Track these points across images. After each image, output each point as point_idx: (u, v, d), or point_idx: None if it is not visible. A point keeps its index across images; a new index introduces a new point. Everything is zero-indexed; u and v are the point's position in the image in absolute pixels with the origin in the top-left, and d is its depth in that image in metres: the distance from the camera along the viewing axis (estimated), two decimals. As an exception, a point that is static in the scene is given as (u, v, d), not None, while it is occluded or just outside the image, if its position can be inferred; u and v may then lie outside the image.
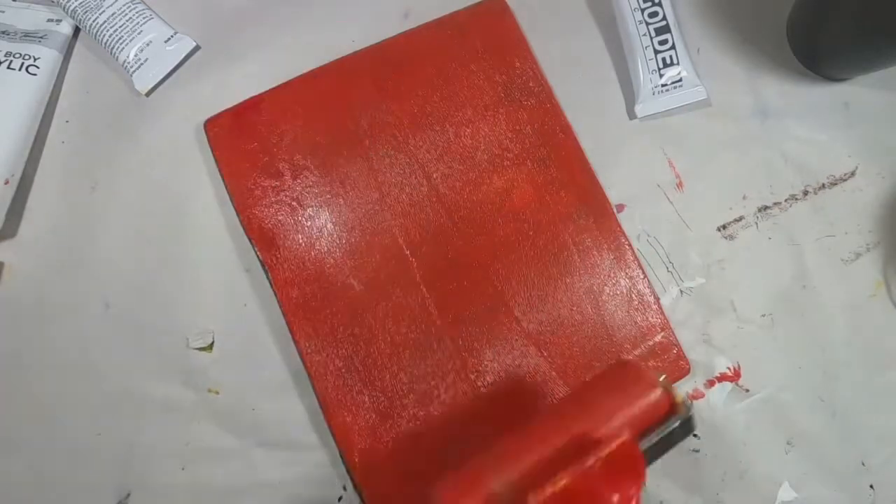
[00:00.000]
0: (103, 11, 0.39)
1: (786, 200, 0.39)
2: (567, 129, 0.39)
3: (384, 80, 0.39)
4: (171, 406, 0.37)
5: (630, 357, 0.36)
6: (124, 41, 0.39)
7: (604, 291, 0.37)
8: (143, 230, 0.39)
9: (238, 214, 0.37)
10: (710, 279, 0.38)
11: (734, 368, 0.37)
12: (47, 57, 0.40)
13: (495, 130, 0.39)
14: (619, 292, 0.37)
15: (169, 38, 0.40)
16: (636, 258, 0.37)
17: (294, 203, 0.37)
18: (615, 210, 0.38)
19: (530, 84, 0.39)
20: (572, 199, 0.38)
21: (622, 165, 0.39)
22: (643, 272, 0.37)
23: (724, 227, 0.39)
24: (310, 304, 0.36)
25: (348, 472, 0.34)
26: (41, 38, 0.40)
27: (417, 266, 0.37)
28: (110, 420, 0.37)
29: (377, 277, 0.37)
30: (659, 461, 0.36)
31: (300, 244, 0.37)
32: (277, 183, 0.38)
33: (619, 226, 0.38)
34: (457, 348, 0.36)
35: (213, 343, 0.37)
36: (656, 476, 0.36)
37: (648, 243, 0.39)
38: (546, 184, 0.38)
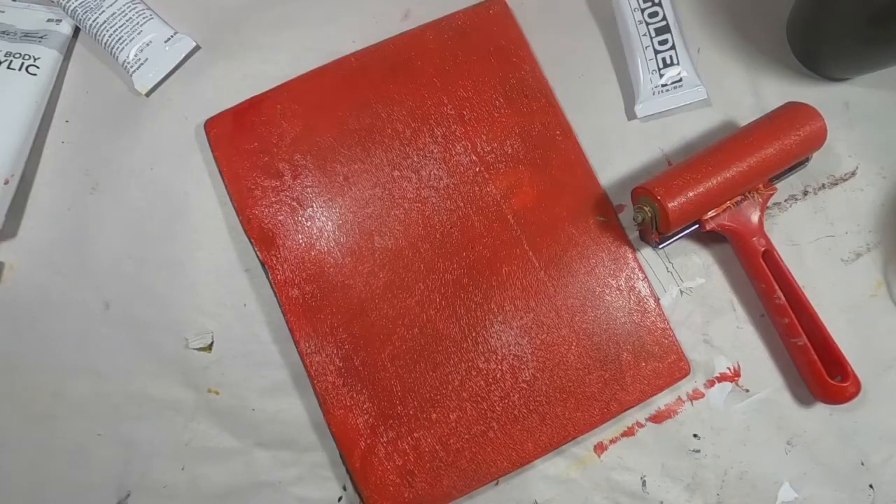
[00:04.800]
0: (103, 11, 0.39)
1: (786, 200, 0.39)
2: (567, 130, 0.39)
3: (384, 81, 0.39)
4: (171, 406, 0.37)
5: (629, 358, 0.36)
6: (124, 41, 0.39)
7: (604, 292, 0.37)
8: (143, 230, 0.39)
9: (238, 214, 0.37)
10: (710, 279, 0.38)
11: (734, 368, 0.37)
12: (47, 57, 0.40)
13: (495, 130, 0.39)
14: (619, 292, 0.37)
15: (169, 38, 0.40)
16: (636, 258, 0.37)
17: (294, 203, 0.37)
18: (615, 210, 0.38)
19: (530, 84, 0.39)
20: (572, 200, 0.38)
21: (622, 165, 0.39)
22: (643, 272, 0.37)
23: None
24: (310, 303, 0.36)
25: (348, 472, 0.35)
26: (41, 38, 0.40)
27: (417, 266, 0.37)
28: (110, 420, 0.37)
29: (377, 277, 0.37)
30: (660, 462, 0.37)
31: (300, 244, 0.37)
32: (277, 183, 0.38)
33: (620, 226, 0.38)
34: (456, 349, 0.36)
35: (212, 343, 0.37)
36: (657, 476, 0.36)
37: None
38: (546, 184, 0.38)
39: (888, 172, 0.39)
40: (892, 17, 0.33)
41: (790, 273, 0.36)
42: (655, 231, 0.36)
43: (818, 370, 0.35)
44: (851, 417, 0.37)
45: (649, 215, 0.35)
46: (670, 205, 0.34)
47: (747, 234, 0.36)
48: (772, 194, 0.37)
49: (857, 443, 0.36)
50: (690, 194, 0.35)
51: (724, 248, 0.39)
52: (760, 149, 0.35)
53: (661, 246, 0.38)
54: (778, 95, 0.40)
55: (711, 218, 0.36)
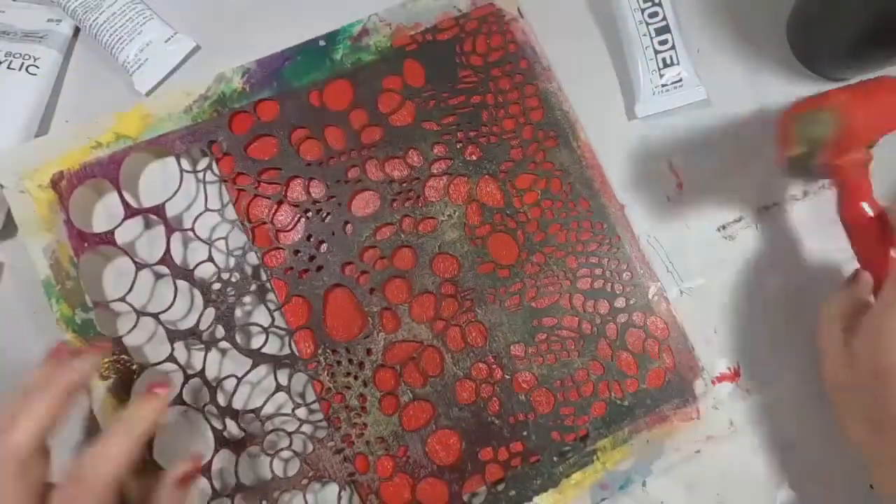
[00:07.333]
0: (103, 11, 0.39)
1: (785, 201, 0.39)
2: (571, 130, 0.39)
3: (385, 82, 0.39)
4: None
5: (631, 360, 0.36)
6: (124, 41, 0.39)
7: (604, 292, 0.37)
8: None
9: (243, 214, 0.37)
10: (710, 279, 0.38)
11: (734, 368, 0.37)
12: (47, 57, 0.40)
13: (496, 131, 0.38)
14: (620, 292, 0.37)
15: (169, 38, 0.40)
16: (635, 258, 0.37)
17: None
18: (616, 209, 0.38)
19: (531, 84, 0.39)
20: (574, 200, 0.38)
21: (622, 165, 0.39)
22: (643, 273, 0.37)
23: (723, 227, 0.39)
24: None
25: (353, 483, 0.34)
26: (41, 38, 0.40)
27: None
28: (110, 420, 0.37)
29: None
30: (660, 462, 0.36)
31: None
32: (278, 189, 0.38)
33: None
34: (455, 351, 0.36)
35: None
36: (657, 476, 0.36)
37: (648, 243, 0.39)
38: (547, 184, 0.38)
39: (888, 173, 0.39)
40: (892, 18, 0.33)
41: None
42: (815, 160, 0.33)
43: None
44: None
45: (828, 130, 0.32)
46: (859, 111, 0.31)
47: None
48: (869, 160, 0.34)
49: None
50: (878, 104, 0.32)
51: (725, 249, 0.39)
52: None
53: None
54: (778, 95, 0.40)
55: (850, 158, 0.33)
